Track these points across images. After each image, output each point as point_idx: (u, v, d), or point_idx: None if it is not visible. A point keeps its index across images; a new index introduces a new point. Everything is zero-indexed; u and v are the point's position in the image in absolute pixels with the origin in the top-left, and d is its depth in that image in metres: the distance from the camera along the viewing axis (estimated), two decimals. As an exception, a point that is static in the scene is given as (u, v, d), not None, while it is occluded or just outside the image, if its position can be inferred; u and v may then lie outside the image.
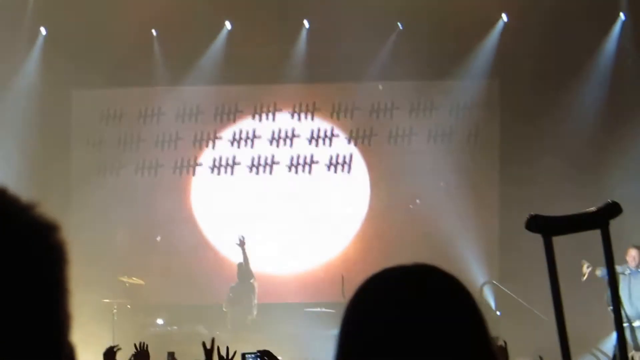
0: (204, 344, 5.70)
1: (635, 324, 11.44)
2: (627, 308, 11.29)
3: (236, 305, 13.94)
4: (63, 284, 0.85)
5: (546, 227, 2.60)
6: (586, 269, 11.49)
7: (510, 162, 14.32)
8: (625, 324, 11.04)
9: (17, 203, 0.86)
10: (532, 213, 2.61)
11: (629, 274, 11.53)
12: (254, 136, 15.33)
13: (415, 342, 1.17)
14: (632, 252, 11.58)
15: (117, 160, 15.27)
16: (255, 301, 14.07)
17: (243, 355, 5.99)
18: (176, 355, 8.49)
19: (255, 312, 13.99)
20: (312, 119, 15.31)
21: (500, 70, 14.61)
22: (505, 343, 7.28)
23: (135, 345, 6.77)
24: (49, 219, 0.88)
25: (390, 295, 1.23)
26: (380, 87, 14.98)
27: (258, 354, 5.65)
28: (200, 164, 15.33)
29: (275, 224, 15.02)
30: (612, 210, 2.64)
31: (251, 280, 14.04)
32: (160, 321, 14.22)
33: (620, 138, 13.84)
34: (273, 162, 15.27)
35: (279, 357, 5.59)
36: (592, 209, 2.62)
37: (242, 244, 13.81)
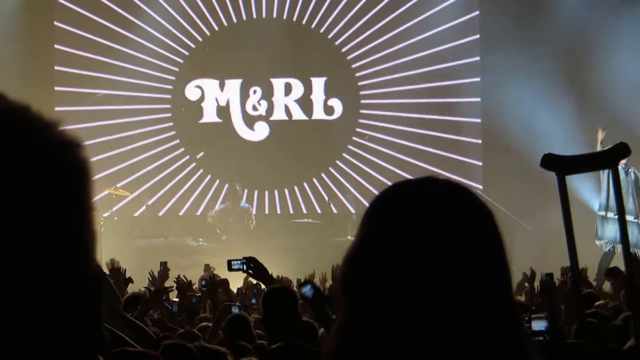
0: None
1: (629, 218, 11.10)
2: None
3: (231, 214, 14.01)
4: (89, 201, 0.88)
5: (560, 166, 2.72)
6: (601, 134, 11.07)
7: (492, 83, 14.25)
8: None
9: (40, 120, 0.87)
10: (546, 152, 2.73)
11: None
12: None
13: (440, 254, 1.17)
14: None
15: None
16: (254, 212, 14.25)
17: (229, 261, 5.99)
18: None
19: (254, 221, 14.11)
20: None
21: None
22: None
23: (107, 264, 6.87)
24: (72, 135, 0.87)
25: (418, 205, 1.23)
26: None
27: (244, 260, 5.67)
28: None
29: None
30: (622, 151, 2.82)
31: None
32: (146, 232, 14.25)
33: (597, 57, 13.75)
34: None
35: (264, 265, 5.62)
36: (602, 149, 2.77)
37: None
